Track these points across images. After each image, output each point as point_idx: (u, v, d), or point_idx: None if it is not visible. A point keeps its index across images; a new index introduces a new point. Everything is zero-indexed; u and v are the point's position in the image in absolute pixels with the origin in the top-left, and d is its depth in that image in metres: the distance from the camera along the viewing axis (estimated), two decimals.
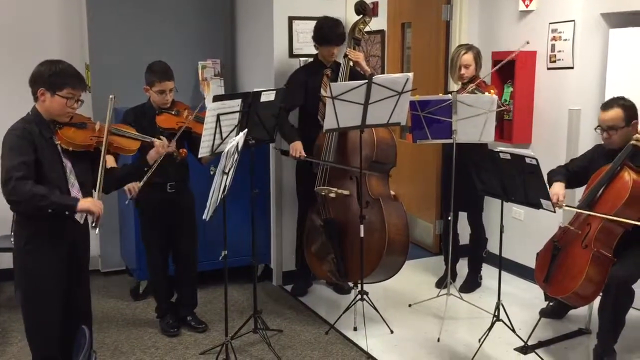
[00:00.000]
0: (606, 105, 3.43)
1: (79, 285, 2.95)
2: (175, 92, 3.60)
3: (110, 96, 2.91)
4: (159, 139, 3.18)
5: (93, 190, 2.83)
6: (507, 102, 4.33)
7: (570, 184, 3.65)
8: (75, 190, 2.77)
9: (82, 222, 2.80)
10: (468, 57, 4.13)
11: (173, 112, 3.56)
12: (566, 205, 3.44)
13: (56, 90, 2.67)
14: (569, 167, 3.67)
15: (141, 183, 3.20)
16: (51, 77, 2.67)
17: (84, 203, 2.67)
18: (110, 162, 3.20)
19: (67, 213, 2.67)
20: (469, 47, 4.20)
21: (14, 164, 2.58)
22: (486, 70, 4.38)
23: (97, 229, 2.71)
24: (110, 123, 2.88)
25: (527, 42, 4.27)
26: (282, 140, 4.10)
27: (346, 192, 3.86)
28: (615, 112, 3.34)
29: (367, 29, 4.15)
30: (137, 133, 3.09)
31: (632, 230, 3.25)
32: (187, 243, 3.80)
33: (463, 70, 4.13)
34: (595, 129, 3.48)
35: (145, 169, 3.14)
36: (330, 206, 3.95)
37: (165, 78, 3.52)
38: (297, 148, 3.91)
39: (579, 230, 3.35)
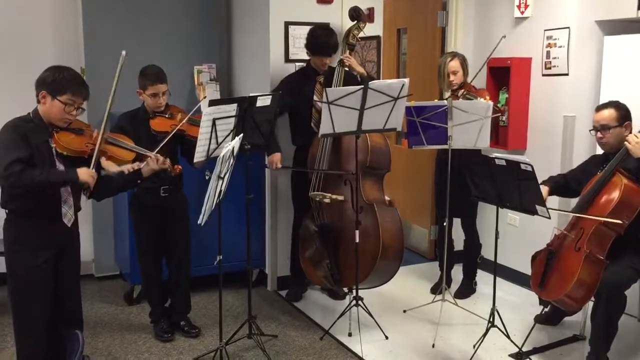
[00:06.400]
0: (600, 107, 3.48)
1: (68, 289, 2.97)
2: (169, 95, 3.60)
3: (107, 107, 2.94)
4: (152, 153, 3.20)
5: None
6: (501, 105, 4.34)
7: (563, 192, 3.70)
8: (66, 193, 2.83)
9: (70, 225, 2.84)
10: (454, 64, 4.16)
11: (167, 116, 3.56)
12: (557, 209, 3.47)
13: (57, 95, 2.73)
14: (566, 175, 3.71)
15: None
16: (54, 81, 2.74)
17: (83, 175, 2.75)
18: (111, 166, 3.19)
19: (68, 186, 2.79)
20: (454, 54, 4.24)
21: (11, 159, 2.63)
22: (481, 76, 4.38)
23: (86, 194, 2.85)
24: (104, 128, 2.92)
25: (504, 36, 4.28)
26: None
27: (340, 198, 3.85)
28: (609, 112, 3.39)
29: (361, 34, 4.16)
30: (133, 145, 3.12)
31: (625, 235, 3.27)
32: (180, 247, 3.78)
33: (452, 77, 4.15)
34: (590, 130, 3.51)
35: (139, 181, 3.19)
36: (324, 212, 3.95)
37: (157, 81, 3.51)
38: (274, 160, 3.96)
39: (572, 235, 3.37)
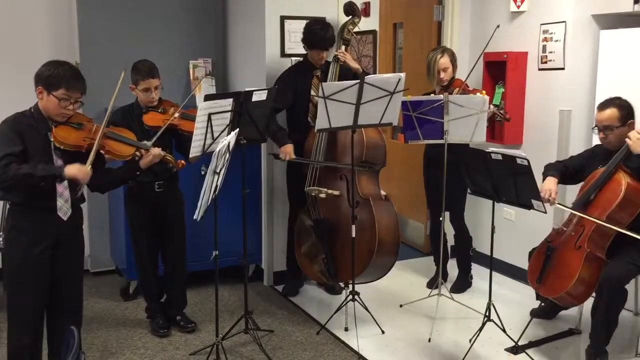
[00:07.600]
0: (602, 105, 3.42)
1: (66, 283, 2.96)
2: (162, 89, 3.58)
3: (110, 105, 2.98)
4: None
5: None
6: (502, 109, 4.17)
7: (565, 180, 3.63)
8: (61, 187, 2.82)
9: (65, 219, 2.84)
10: (445, 60, 4.12)
11: (159, 110, 3.55)
12: (559, 204, 3.45)
13: (52, 90, 2.74)
14: (566, 164, 3.65)
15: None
16: (49, 77, 2.75)
17: (71, 169, 2.73)
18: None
19: (58, 181, 2.76)
20: (443, 50, 4.19)
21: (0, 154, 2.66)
22: (477, 71, 4.38)
23: (78, 193, 2.86)
24: (105, 126, 2.93)
25: (498, 26, 4.23)
26: (273, 144, 4.08)
27: (336, 192, 3.85)
28: (611, 112, 3.34)
29: (356, 29, 4.14)
30: (134, 139, 3.12)
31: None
32: (175, 243, 3.78)
33: (442, 74, 4.13)
34: (592, 128, 3.48)
35: (138, 173, 3.19)
36: (320, 206, 3.95)
37: (149, 76, 3.50)
38: (287, 151, 3.92)
39: (572, 232, 3.36)
